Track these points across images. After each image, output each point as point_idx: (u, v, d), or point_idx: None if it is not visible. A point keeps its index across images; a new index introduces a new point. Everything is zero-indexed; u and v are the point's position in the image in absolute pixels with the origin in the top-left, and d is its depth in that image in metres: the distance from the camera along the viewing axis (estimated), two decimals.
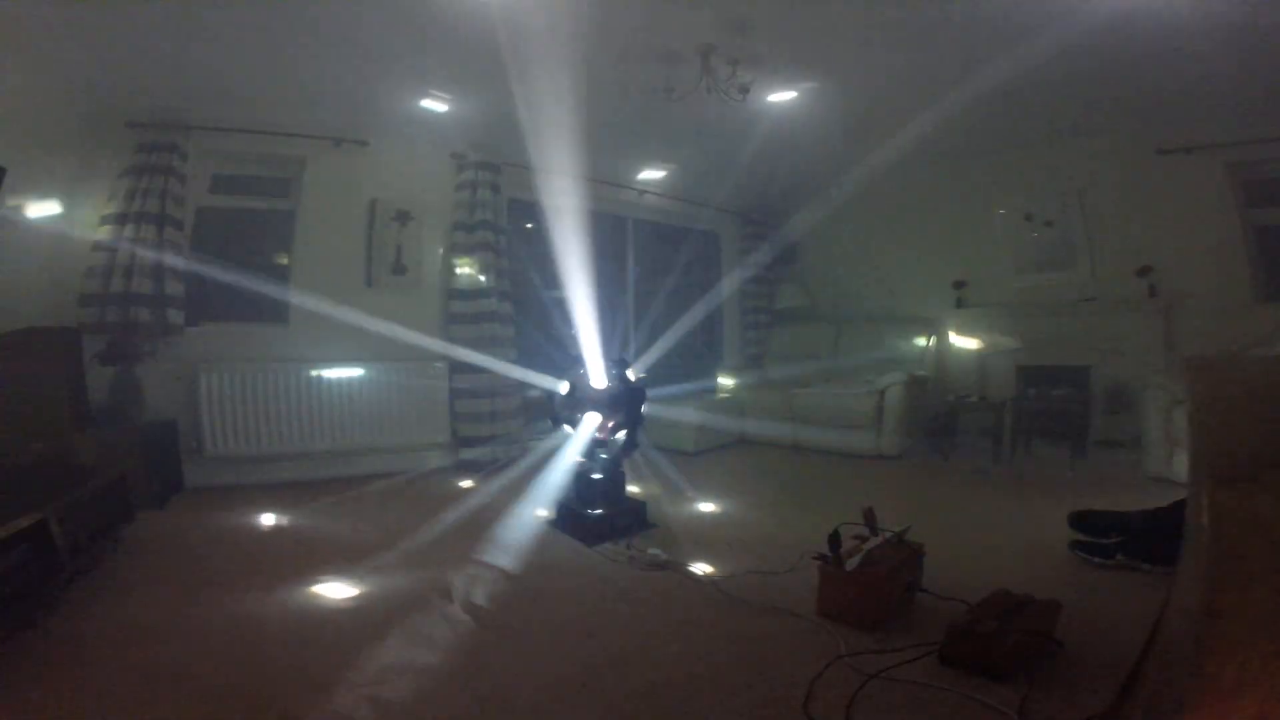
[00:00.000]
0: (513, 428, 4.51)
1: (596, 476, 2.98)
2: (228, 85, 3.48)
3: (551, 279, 5.15)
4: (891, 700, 1.50)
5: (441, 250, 4.49)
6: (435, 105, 3.94)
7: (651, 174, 5.52)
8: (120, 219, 3.47)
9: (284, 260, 4.21)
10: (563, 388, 3.22)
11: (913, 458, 4.58)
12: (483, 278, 4.42)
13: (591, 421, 3.06)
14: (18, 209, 3.00)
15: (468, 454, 4.38)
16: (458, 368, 4.39)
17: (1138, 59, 3.30)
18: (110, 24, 2.84)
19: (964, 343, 5.28)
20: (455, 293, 4.44)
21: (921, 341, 5.28)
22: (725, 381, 5.91)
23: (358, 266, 4.27)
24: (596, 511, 2.88)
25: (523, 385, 4.53)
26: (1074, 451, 4.21)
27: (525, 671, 1.68)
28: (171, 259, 3.57)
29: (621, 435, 3.03)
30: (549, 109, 4.08)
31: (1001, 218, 5.12)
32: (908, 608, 2.00)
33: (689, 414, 4.86)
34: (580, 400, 3.11)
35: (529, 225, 5.20)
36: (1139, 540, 2.27)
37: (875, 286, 5.89)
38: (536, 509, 3.25)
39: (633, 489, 3.35)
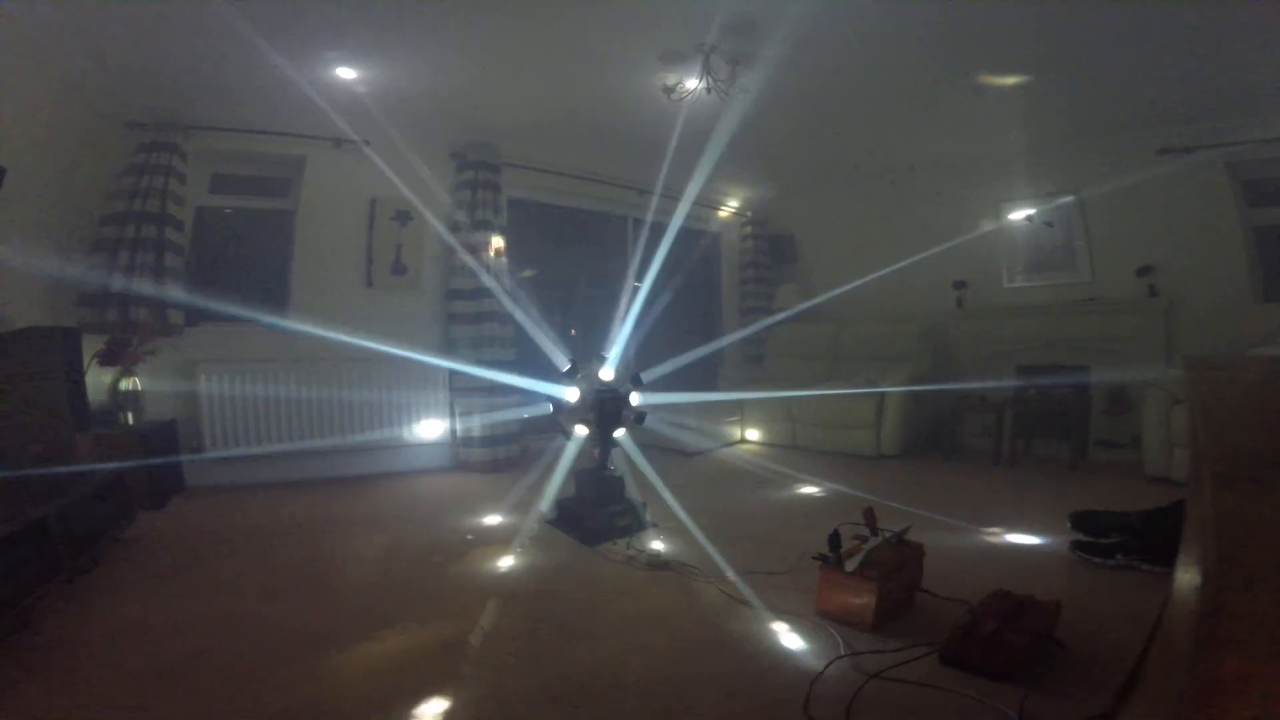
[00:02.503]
0: (512, 428, 4.51)
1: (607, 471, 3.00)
2: (228, 85, 3.48)
3: (551, 279, 5.17)
4: (891, 700, 1.50)
5: (441, 250, 4.50)
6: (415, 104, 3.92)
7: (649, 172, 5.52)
8: (120, 219, 3.47)
9: (284, 260, 4.20)
10: (570, 394, 3.17)
11: (913, 458, 4.58)
12: (483, 278, 4.43)
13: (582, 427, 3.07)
14: (18, 209, 2.99)
15: (468, 454, 4.38)
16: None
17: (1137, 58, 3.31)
18: (110, 23, 2.85)
19: (964, 342, 5.28)
20: (455, 293, 4.44)
21: (921, 341, 5.28)
22: (725, 381, 5.92)
23: (358, 266, 4.28)
24: (596, 511, 2.88)
25: (522, 385, 4.54)
26: (1074, 451, 4.21)
27: (524, 671, 1.67)
28: (171, 259, 3.58)
29: (621, 433, 3.03)
30: (548, 110, 4.09)
31: (1001, 218, 5.12)
32: (908, 608, 2.00)
33: (688, 414, 4.87)
34: (574, 407, 3.10)
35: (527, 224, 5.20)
36: (1139, 540, 2.27)
37: (875, 286, 5.89)
38: (536, 508, 3.26)
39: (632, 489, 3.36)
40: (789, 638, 1.84)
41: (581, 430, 3.08)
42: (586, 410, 3.02)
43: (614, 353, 3.18)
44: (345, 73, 3.51)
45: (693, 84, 3.37)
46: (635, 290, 5.83)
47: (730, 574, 2.32)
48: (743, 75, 3.39)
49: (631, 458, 3.44)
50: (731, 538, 2.78)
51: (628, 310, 4.29)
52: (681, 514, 3.17)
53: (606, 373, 3.05)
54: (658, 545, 2.64)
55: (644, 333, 5.79)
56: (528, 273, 5.06)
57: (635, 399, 3.03)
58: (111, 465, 2.64)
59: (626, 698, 1.54)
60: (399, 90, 3.82)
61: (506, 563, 2.53)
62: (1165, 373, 3.80)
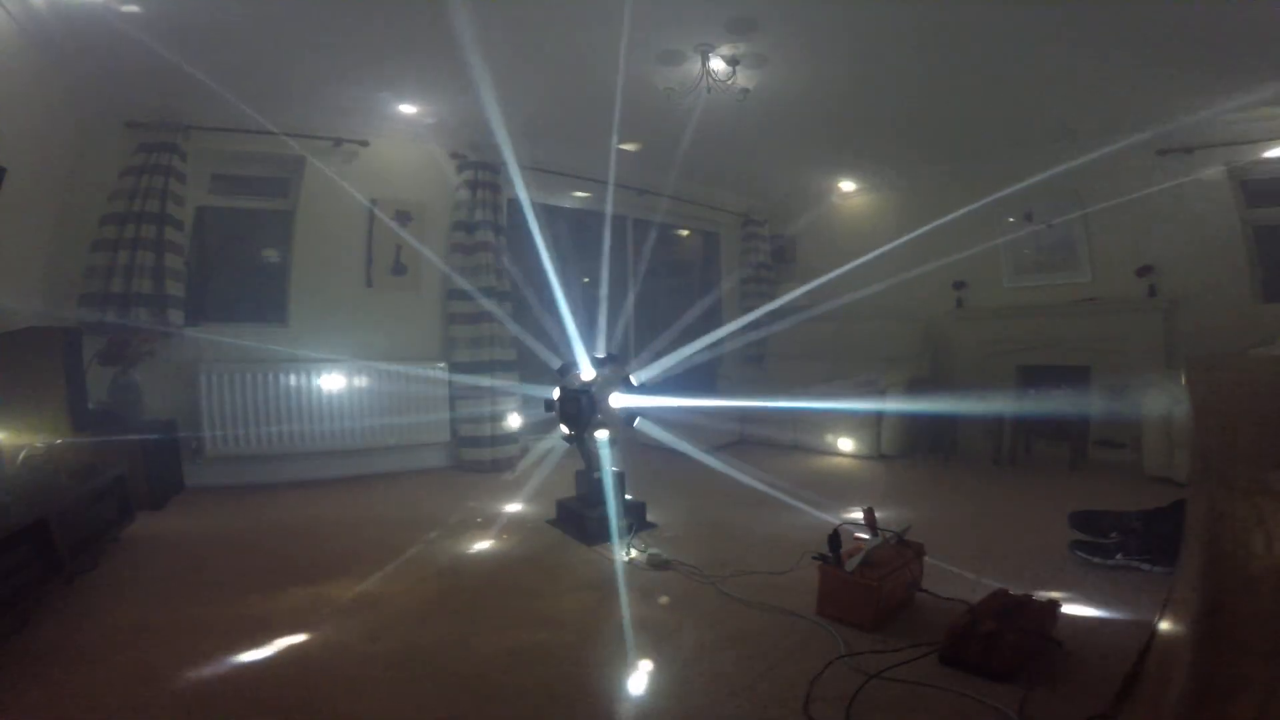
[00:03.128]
0: (512, 427, 4.51)
1: (596, 475, 2.98)
2: (228, 85, 3.48)
3: (549, 280, 5.15)
4: (891, 700, 1.50)
5: (441, 250, 4.50)
6: (412, 110, 4.03)
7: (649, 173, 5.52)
8: (120, 219, 3.48)
9: (284, 260, 4.20)
10: (555, 393, 3.18)
11: (913, 458, 4.58)
12: (482, 278, 4.43)
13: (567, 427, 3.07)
14: (18, 209, 2.99)
15: (468, 454, 4.38)
16: (458, 367, 4.40)
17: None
18: (111, 24, 2.85)
19: (964, 342, 5.28)
20: (455, 293, 4.45)
21: (921, 341, 5.28)
22: (725, 382, 5.92)
23: (358, 266, 4.28)
24: (593, 511, 2.88)
25: (522, 386, 4.55)
26: (1074, 451, 4.21)
27: (524, 671, 1.67)
28: (171, 259, 3.58)
29: (603, 434, 3.01)
30: (548, 110, 4.10)
31: (1002, 218, 5.12)
32: (908, 608, 2.00)
33: (687, 414, 4.86)
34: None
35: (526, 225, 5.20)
36: (1139, 540, 2.27)
37: (875, 286, 5.89)
38: (536, 508, 3.27)
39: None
40: (789, 638, 1.84)
41: (563, 429, 3.08)
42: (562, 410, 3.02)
43: (579, 351, 3.17)
44: (360, 83, 3.56)
45: (693, 85, 3.37)
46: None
47: (730, 574, 2.32)
48: (742, 75, 3.39)
49: (628, 459, 3.44)
50: (732, 538, 2.78)
51: (609, 307, 4.29)
52: (683, 515, 3.17)
53: (588, 372, 3.04)
54: (658, 545, 2.64)
55: (644, 333, 5.80)
56: (527, 273, 5.04)
57: (619, 400, 2.99)
58: (111, 465, 2.64)
59: (625, 698, 1.54)
60: (401, 94, 3.84)
61: (507, 560, 2.54)
62: (1165, 373, 3.79)
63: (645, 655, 1.75)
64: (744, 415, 5.35)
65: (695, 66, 3.32)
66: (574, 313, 3.71)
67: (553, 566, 2.48)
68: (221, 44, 3.07)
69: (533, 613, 2.05)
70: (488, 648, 1.80)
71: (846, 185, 6.06)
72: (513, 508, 3.33)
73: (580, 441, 2.98)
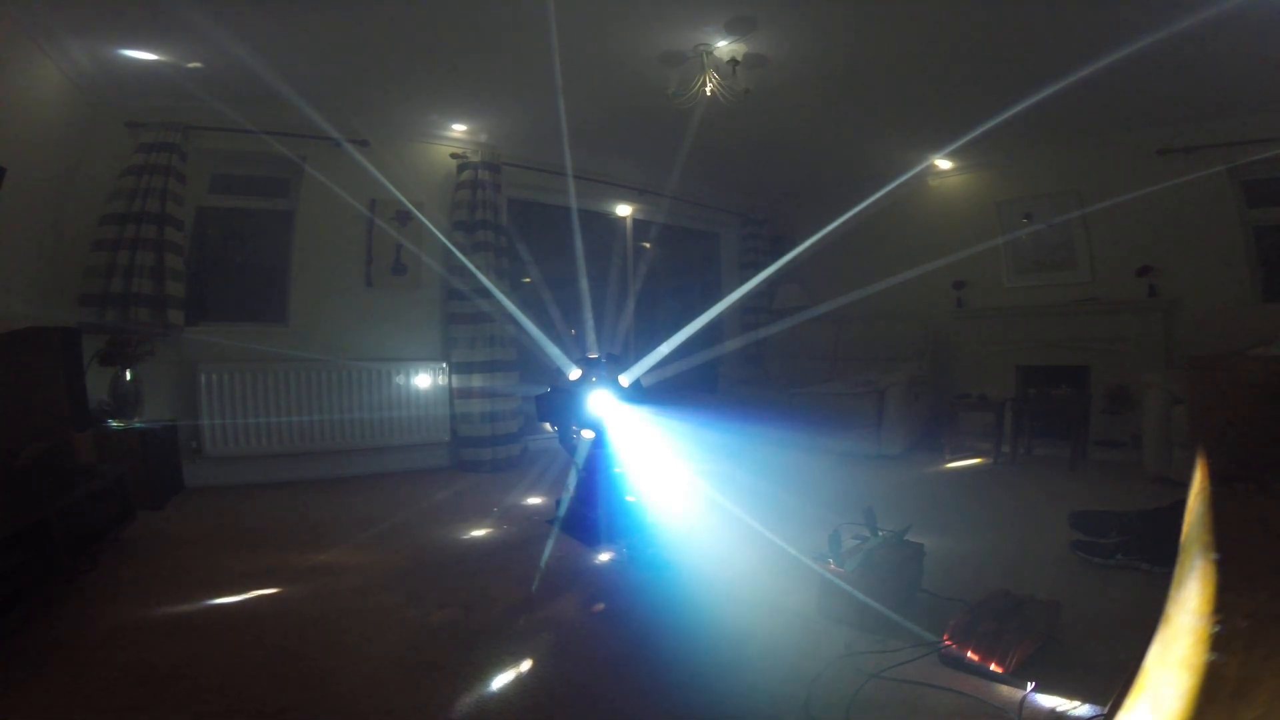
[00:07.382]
0: (512, 428, 4.51)
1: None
2: (228, 85, 3.48)
3: (552, 279, 5.16)
4: (891, 700, 1.50)
5: (441, 250, 4.50)
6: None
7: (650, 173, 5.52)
8: (120, 219, 3.47)
9: (284, 260, 4.20)
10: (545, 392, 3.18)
11: (913, 457, 4.58)
12: (483, 278, 4.42)
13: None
14: (18, 209, 2.99)
15: (468, 454, 4.38)
16: (458, 368, 4.39)
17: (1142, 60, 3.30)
18: (111, 23, 2.85)
19: (964, 342, 5.28)
20: (455, 293, 4.44)
21: (921, 341, 5.28)
22: (725, 381, 5.91)
23: (358, 266, 4.28)
24: (597, 511, 2.87)
25: (522, 386, 4.55)
26: (1074, 451, 4.21)
27: (525, 671, 1.67)
28: (172, 259, 3.58)
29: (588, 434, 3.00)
30: (549, 111, 4.09)
31: (1002, 218, 5.12)
32: (908, 608, 2.00)
33: (685, 414, 4.85)
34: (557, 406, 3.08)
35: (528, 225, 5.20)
36: (1139, 540, 2.27)
37: (875, 285, 5.89)
38: (536, 509, 3.26)
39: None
40: (789, 638, 1.84)
41: (547, 427, 3.08)
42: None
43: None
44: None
45: (696, 87, 3.36)
46: (634, 291, 5.81)
47: (730, 573, 2.31)
48: (745, 77, 3.38)
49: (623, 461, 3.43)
50: (732, 539, 2.78)
51: (607, 309, 4.26)
52: (685, 515, 3.16)
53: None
54: (657, 545, 2.63)
55: (644, 334, 5.80)
56: (526, 272, 5.06)
57: (605, 400, 2.98)
58: (111, 465, 2.64)
59: (627, 699, 1.54)
60: (400, 92, 3.83)
61: (505, 561, 2.54)
62: (1165, 373, 3.79)
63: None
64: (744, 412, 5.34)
65: (695, 67, 3.31)
66: (570, 313, 3.71)
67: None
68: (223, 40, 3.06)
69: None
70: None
71: (845, 184, 6.05)
72: (511, 505, 3.33)
73: (564, 440, 2.98)
